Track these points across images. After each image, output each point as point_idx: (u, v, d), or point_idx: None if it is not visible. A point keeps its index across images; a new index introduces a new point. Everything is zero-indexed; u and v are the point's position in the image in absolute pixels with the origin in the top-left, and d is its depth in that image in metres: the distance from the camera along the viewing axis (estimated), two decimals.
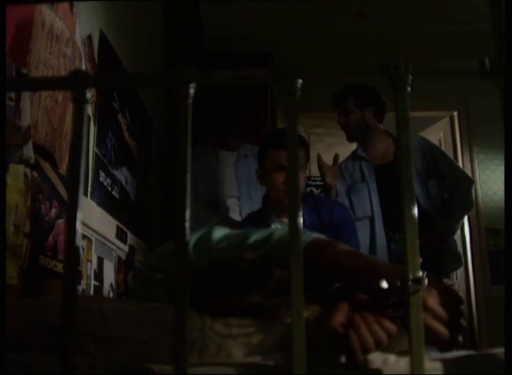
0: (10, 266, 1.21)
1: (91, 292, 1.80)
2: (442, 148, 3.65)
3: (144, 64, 2.65)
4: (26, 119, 1.30)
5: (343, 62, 3.95)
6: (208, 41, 4.14)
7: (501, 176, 3.86)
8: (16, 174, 1.24)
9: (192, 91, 0.49)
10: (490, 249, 3.85)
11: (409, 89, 0.48)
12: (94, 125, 1.89)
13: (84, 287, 1.75)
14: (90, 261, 1.82)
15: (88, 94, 0.50)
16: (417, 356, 0.44)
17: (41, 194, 1.39)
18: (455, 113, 4.18)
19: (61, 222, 1.50)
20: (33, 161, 1.33)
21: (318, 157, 2.37)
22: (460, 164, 3.88)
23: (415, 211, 0.46)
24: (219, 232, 1.13)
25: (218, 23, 4.02)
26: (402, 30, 4.07)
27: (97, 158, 1.92)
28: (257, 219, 2.11)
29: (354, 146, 2.93)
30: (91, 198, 1.85)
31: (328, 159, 2.41)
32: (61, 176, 1.51)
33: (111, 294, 2.03)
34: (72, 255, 0.48)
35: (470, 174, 3.36)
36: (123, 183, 2.27)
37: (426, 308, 0.68)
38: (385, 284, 0.68)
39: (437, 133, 4.26)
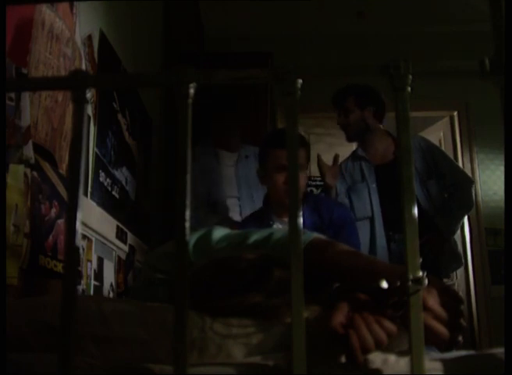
0: (10, 266, 1.21)
1: (91, 292, 1.80)
2: (442, 148, 3.65)
3: (144, 64, 2.65)
4: (26, 119, 1.30)
5: (343, 62, 3.95)
6: (208, 41, 4.14)
7: (501, 176, 3.86)
8: (16, 174, 1.24)
9: (192, 91, 0.49)
10: (490, 249, 3.85)
11: (409, 89, 0.48)
12: (94, 125, 1.89)
13: (84, 287, 1.75)
14: (90, 261, 1.82)
15: (88, 94, 0.50)
16: (417, 356, 0.44)
17: (41, 194, 1.39)
18: (455, 113, 4.18)
19: (61, 222, 1.50)
20: (33, 161, 1.33)
21: (318, 157, 2.37)
22: (460, 164, 3.88)
23: (415, 211, 0.46)
24: (219, 232, 1.13)
25: (218, 23, 4.02)
26: (402, 30, 4.07)
27: (97, 158, 1.92)
28: (258, 219, 2.11)
29: (354, 146, 2.93)
30: (91, 198, 1.85)
31: (328, 159, 2.41)
32: (61, 176, 1.51)
33: (111, 294, 2.03)
34: (72, 255, 0.48)
35: (470, 174, 3.36)
36: (123, 183, 2.27)
37: (426, 308, 0.68)
38: (385, 284, 0.68)
39: (437, 133, 4.26)
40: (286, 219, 2.06)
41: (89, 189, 1.84)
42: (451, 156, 3.30)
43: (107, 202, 2.01)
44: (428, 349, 0.63)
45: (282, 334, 0.75)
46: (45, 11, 1.43)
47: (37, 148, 1.37)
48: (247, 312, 0.80)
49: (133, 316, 0.81)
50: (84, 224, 1.72)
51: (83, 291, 1.72)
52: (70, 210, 0.47)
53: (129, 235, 2.31)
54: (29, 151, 1.31)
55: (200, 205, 2.64)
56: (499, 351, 0.64)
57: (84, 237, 1.75)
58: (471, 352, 0.70)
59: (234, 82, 0.50)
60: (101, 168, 1.97)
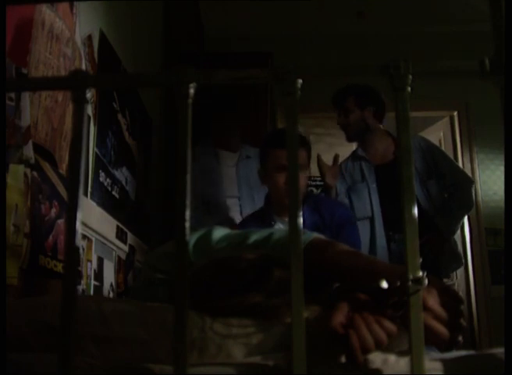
0: (10, 266, 1.21)
1: (91, 292, 1.80)
2: (442, 148, 3.65)
3: (144, 64, 2.65)
4: (26, 119, 1.30)
5: (343, 62, 3.95)
6: (208, 41, 4.14)
7: (501, 176, 3.86)
8: (16, 174, 1.24)
9: (192, 91, 0.49)
10: (490, 249, 3.85)
11: (409, 89, 0.48)
12: (94, 125, 1.89)
13: (84, 287, 1.75)
14: (90, 261, 1.82)
15: (88, 94, 0.50)
16: (417, 356, 0.44)
17: (41, 194, 1.39)
18: (455, 113, 4.18)
19: (61, 222, 1.50)
20: (33, 161, 1.33)
21: (318, 157, 2.37)
22: (460, 164, 3.88)
23: (415, 211, 0.46)
24: (219, 232, 1.13)
25: (218, 23, 4.02)
26: (402, 30, 4.07)
27: (97, 158, 1.92)
28: (259, 219, 2.12)
29: (354, 146, 2.93)
30: (91, 198, 1.85)
31: (328, 159, 2.41)
32: (61, 176, 1.51)
33: (111, 294, 2.03)
34: (72, 255, 0.48)
35: (470, 174, 3.36)
36: (123, 183, 2.27)
37: (426, 308, 0.68)
38: (385, 284, 0.68)
39: (437, 133, 4.26)
40: (286, 219, 2.06)
41: (89, 189, 1.84)
42: (451, 156, 3.30)
43: (107, 202, 2.01)
44: (428, 349, 0.63)
45: (282, 334, 0.75)
46: (45, 11, 1.43)
47: (37, 148, 1.36)
48: (247, 312, 0.80)
49: (133, 316, 0.81)
50: (84, 224, 1.72)
51: (83, 291, 1.72)
52: (70, 210, 0.47)
53: (129, 235, 2.31)
54: (29, 151, 1.31)
55: (201, 205, 2.64)
56: (499, 351, 0.64)
57: (84, 237, 1.75)
58: (471, 352, 0.70)
59: (234, 82, 0.50)
60: (101, 168, 1.97)
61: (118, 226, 2.13)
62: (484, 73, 0.47)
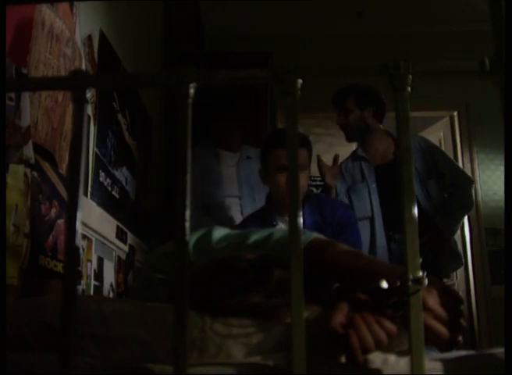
0: (10, 266, 1.21)
1: (91, 292, 1.80)
2: (442, 148, 3.65)
3: (144, 64, 2.65)
4: (26, 119, 1.30)
5: (343, 62, 3.95)
6: (208, 41, 4.14)
7: (501, 176, 3.86)
8: (16, 174, 1.24)
9: (192, 91, 0.49)
10: (490, 249, 3.85)
11: (409, 89, 0.48)
12: (94, 125, 1.89)
13: (84, 287, 1.75)
14: (90, 261, 1.82)
15: (88, 94, 0.50)
16: (417, 356, 0.44)
17: (41, 194, 1.39)
18: (455, 113, 4.18)
19: (61, 222, 1.50)
20: (33, 161, 1.33)
21: (318, 157, 2.37)
22: (460, 164, 3.88)
23: (415, 211, 0.46)
24: (219, 232, 1.13)
25: (218, 23, 4.02)
26: (402, 30, 4.07)
27: (97, 158, 1.92)
28: (260, 219, 2.12)
29: (354, 146, 2.93)
30: (91, 198, 1.85)
31: (328, 159, 2.41)
32: (61, 176, 1.51)
33: (111, 294, 2.03)
34: (72, 255, 0.48)
35: (470, 174, 3.36)
36: (123, 183, 2.27)
37: (426, 308, 0.68)
38: (385, 284, 0.68)
39: (437, 133, 4.26)
40: (288, 218, 2.06)
41: (89, 189, 1.84)
42: (451, 156, 3.30)
43: (107, 202, 2.01)
44: (428, 349, 0.63)
45: (282, 334, 0.75)
46: (45, 11, 1.43)
47: (37, 148, 1.36)
48: (247, 312, 0.80)
49: (133, 316, 0.81)
50: (84, 224, 1.72)
51: (83, 291, 1.72)
52: (70, 210, 0.47)
53: (129, 235, 2.31)
54: (29, 151, 1.31)
55: (201, 208, 2.65)
56: (499, 351, 0.64)
57: (84, 237, 1.75)
58: (471, 352, 0.70)
59: (234, 82, 0.50)
60: (101, 168, 1.97)
61: (118, 226, 2.13)
62: (484, 73, 0.47)
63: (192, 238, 1.09)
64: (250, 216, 2.27)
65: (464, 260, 2.91)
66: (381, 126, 2.62)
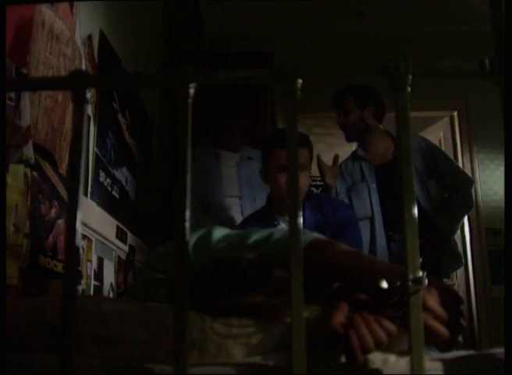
0: (10, 266, 1.21)
1: (91, 292, 1.80)
2: (442, 148, 3.65)
3: (144, 64, 2.65)
4: (26, 119, 1.30)
5: (343, 62, 3.95)
6: (208, 41, 4.14)
7: (501, 176, 3.86)
8: (16, 174, 1.24)
9: (192, 91, 0.49)
10: (490, 249, 3.85)
11: (409, 89, 0.48)
12: (94, 125, 1.89)
13: (84, 287, 1.75)
14: (90, 261, 1.82)
15: (88, 94, 0.50)
16: (417, 356, 0.44)
17: (41, 194, 1.39)
18: (455, 113, 4.18)
19: (61, 222, 1.50)
20: (33, 161, 1.33)
21: (318, 157, 2.37)
22: (460, 164, 3.88)
23: (415, 211, 0.46)
24: (219, 232, 1.13)
25: (218, 23, 4.02)
26: (402, 30, 4.07)
27: (97, 158, 1.92)
28: (261, 219, 2.12)
29: (354, 146, 2.93)
30: (91, 198, 1.85)
31: (328, 159, 2.41)
32: (61, 176, 1.51)
33: (111, 294, 2.03)
34: (72, 255, 0.48)
35: (470, 174, 3.36)
36: (123, 183, 2.27)
37: (426, 308, 0.68)
38: (385, 284, 0.69)
39: (437, 133, 4.26)
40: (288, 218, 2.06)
41: (89, 189, 1.84)
42: (451, 156, 3.30)
43: (107, 202, 2.01)
44: (428, 349, 0.63)
45: (282, 334, 0.75)
46: (45, 11, 1.43)
47: (37, 148, 1.36)
48: (247, 312, 0.80)
49: (133, 316, 0.81)
50: (84, 224, 1.72)
51: (83, 291, 1.72)
52: (70, 210, 0.47)
53: (129, 235, 2.31)
54: (29, 151, 1.31)
55: (201, 208, 2.65)
56: (499, 351, 0.64)
57: (84, 237, 1.75)
58: (471, 352, 0.70)
59: (234, 82, 0.50)
60: (101, 168, 1.97)
61: (118, 226, 2.13)
62: (484, 73, 0.47)
63: (192, 238, 1.09)
64: (250, 215, 2.27)
65: (463, 260, 2.91)
66: (381, 126, 2.62)
